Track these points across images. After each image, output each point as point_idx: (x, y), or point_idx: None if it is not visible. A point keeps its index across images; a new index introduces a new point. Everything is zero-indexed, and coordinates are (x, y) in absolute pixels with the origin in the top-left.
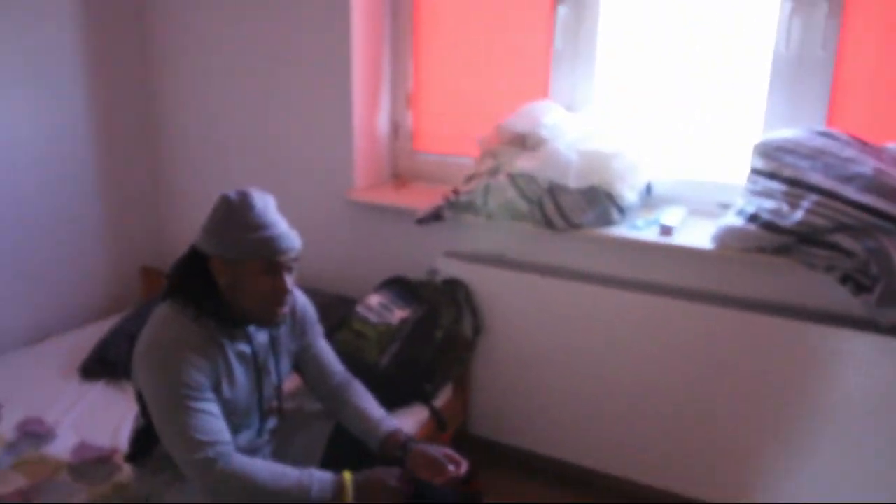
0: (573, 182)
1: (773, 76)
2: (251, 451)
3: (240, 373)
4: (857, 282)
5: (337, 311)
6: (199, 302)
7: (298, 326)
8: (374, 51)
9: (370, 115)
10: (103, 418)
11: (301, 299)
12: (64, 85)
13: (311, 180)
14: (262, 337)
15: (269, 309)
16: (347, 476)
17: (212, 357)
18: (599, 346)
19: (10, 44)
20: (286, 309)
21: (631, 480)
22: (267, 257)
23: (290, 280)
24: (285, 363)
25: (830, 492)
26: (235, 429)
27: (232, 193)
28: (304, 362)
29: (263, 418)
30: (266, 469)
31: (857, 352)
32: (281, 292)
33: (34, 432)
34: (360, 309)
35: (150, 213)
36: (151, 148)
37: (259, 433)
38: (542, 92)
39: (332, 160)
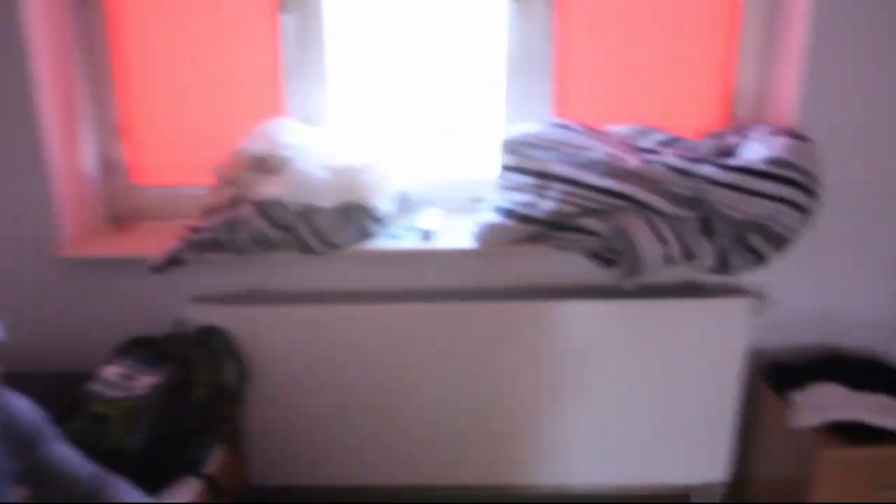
0: (326, 201)
1: (508, 72)
2: None
3: None
4: (603, 257)
5: (65, 393)
6: None
7: (18, 443)
8: (65, 80)
9: (71, 154)
10: None
11: (17, 405)
12: None
13: (5, 241)
14: None
15: None
16: None
17: None
18: (375, 363)
19: None
20: None
21: (428, 485)
22: None
23: None
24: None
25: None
26: None
27: None
28: (38, 481)
29: None
30: None
31: (609, 314)
32: None
33: None
34: (95, 387)
35: None
36: None
37: None
38: (277, 109)
39: (28, 213)
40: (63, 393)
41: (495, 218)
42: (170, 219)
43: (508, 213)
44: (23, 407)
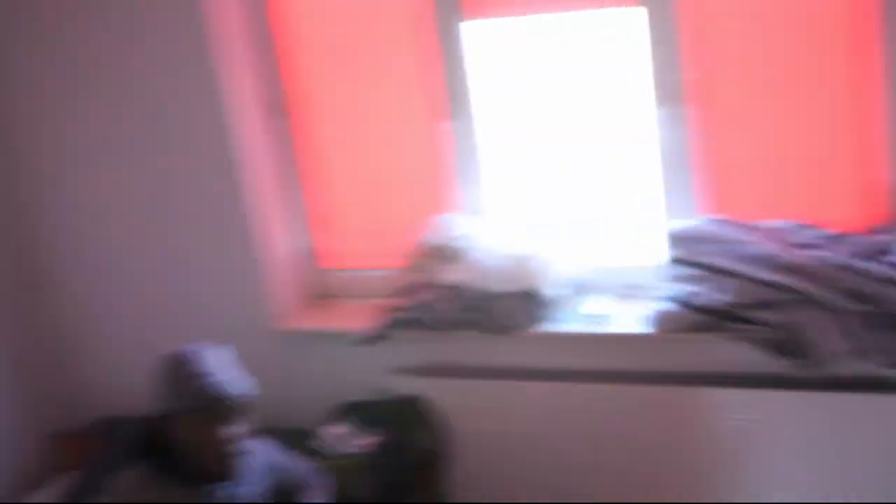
0: (497, 287)
1: (662, 165)
2: None
3: None
4: (777, 348)
5: (289, 445)
6: (162, 464)
7: (285, 487)
8: (270, 176)
9: (274, 242)
10: None
11: (281, 455)
12: None
13: (229, 316)
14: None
15: (216, 458)
16: None
17: None
18: (552, 436)
19: None
20: (235, 454)
21: None
22: (210, 406)
23: (235, 430)
24: None
25: None
26: None
27: (178, 349)
28: None
29: None
30: None
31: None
32: (224, 442)
33: None
34: (323, 443)
35: (55, 375)
36: (43, 307)
37: None
38: (447, 202)
39: (247, 293)
40: (287, 443)
41: (669, 306)
42: (364, 298)
43: (682, 303)
44: (288, 456)
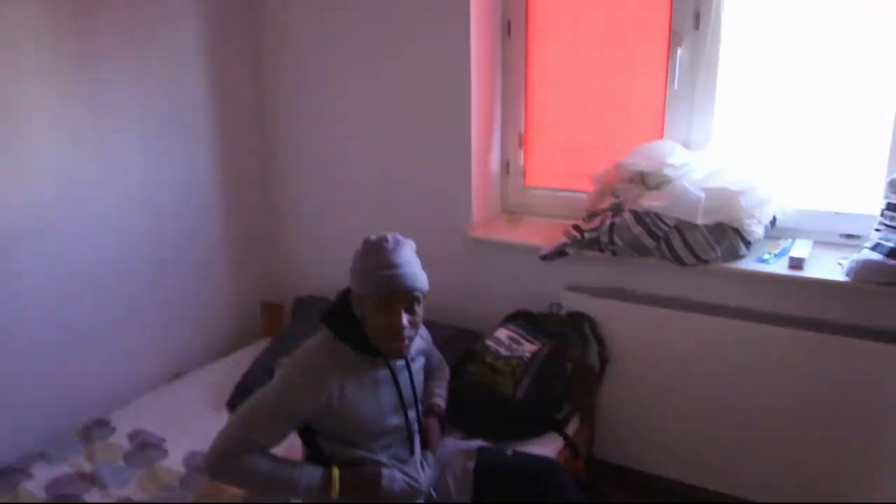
0: (701, 220)
1: None
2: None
3: (379, 394)
4: None
5: (461, 343)
6: (344, 331)
7: (426, 344)
8: (489, 97)
9: (485, 156)
10: None
11: (422, 329)
12: (194, 141)
13: (431, 219)
14: (402, 362)
15: (385, 342)
16: (335, 472)
17: (336, 383)
18: (725, 375)
19: (152, 114)
20: (403, 343)
21: (750, 501)
22: (383, 295)
23: (406, 318)
24: (420, 382)
25: None
26: (384, 447)
27: (372, 236)
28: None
29: (408, 436)
30: (268, 461)
31: None
32: (394, 328)
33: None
34: (489, 343)
35: (268, 251)
36: (269, 192)
37: (405, 448)
38: (656, 131)
39: (450, 200)
40: (462, 342)
41: (875, 256)
42: (550, 216)
43: (891, 253)
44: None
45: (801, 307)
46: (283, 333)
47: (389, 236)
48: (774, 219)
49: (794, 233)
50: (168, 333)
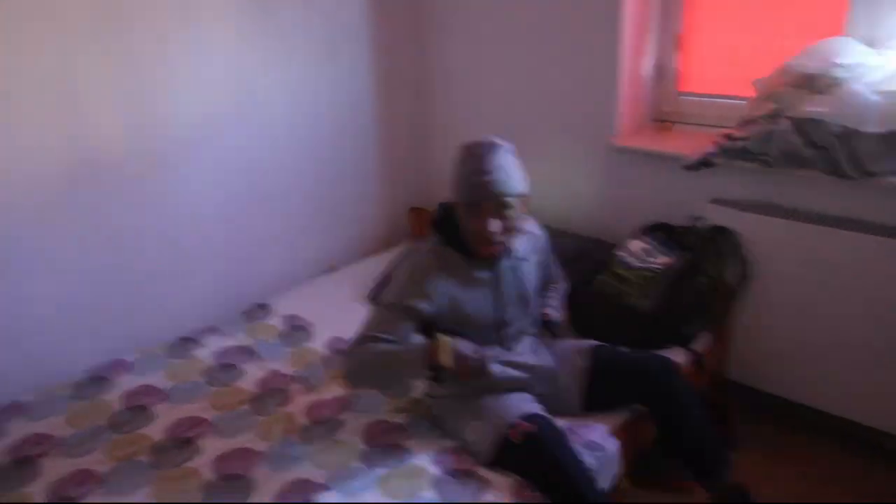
0: (872, 127)
1: None
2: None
3: (481, 294)
4: None
5: (596, 255)
6: (448, 236)
7: (539, 245)
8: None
9: (636, 60)
10: None
11: (534, 227)
12: (353, 55)
13: (574, 126)
14: (507, 263)
15: (478, 247)
16: (443, 339)
17: (444, 283)
18: (877, 301)
19: (316, 31)
20: (493, 248)
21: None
22: (473, 201)
23: (497, 224)
24: (531, 281)
25: None
26: (484, 342)
27: (470, 141)
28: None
29: (507, 335)
30: (386, 344)
31: None
32: (484, 233)
33: (342, 350)
34: (621, 253)
35: (418, 160)
36: (421, 104)
37: (504, 347)
38: (835, 28)
39: (595, 106)
40: (594, 253)
41: None
42: (707, 125)
43: None
44: (536, 227)
45: None
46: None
47: (484, 141)
48: None
49: None
50: (327, 231)
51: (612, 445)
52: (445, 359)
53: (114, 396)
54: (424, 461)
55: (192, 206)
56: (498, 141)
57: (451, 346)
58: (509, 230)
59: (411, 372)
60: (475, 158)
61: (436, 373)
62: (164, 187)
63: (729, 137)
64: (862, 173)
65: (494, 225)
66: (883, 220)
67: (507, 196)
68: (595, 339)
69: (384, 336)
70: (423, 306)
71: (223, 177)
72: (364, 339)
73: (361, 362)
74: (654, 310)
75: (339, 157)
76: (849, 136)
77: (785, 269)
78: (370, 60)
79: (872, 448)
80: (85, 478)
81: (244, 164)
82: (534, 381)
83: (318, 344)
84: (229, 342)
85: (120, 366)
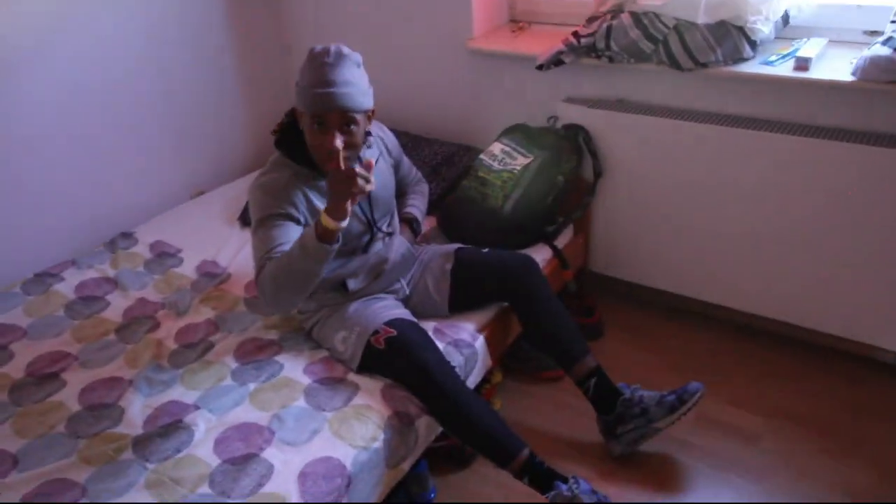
0: (702, 17)
1: None
2: (358, 270)
3: None
4: None
5: (461, 160)
6: (290, 148)
7: (387, 149)
8: None
9: None
10: None
11: (378, 128)
12: None
13: (430, 32)
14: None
15: (321, 162)
16: (323, 210)
17: (301, 193)
18: (723, 186)
19: None
20: (336, 163)
21: (744, 311)
22: (317, 112)
23: (341, 139)
24: (386, 184)
25: None
26: (350, 253)
27: (316, 47)
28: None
29: (369, 240)
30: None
31: None
32: (326, 148)
33: (211, 273)
34: (483, 157)
35: (280, 73)
36: (277, 12)
37: (364, 251)
38: None
39: (450, 8)
40: (460, 158)
41: (884, 51)
42: (561, 24)
43: None
44: (383, 128)
45: (804, 113)
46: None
47: (333, 48)
48: (787, 16)
49: (809, 32)
50: (191, 156)
51: (479, 342)
52: (329, 221)
53: None
54: (295, 373)
55: (32, 127)
56: (346, 50)
57: (326, 211)
58: (353, 146)
59: (313, 258)
60: (322, 66)
61: (332, 240)
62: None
63: (576, 35)
64: (695, 64)
65: (338, 141)
66: (718, 109)
67: (352, 111)
68: (462, 242)
69: (276, 249)
70: (291, 211)
71: (60, 94)
72: (261, 266)
73: (271, 282)
74: (516, 210)
75: (194, 74)
76: (682, 28)
77: (634, 161)
78: None
79: (721, 322)
80: None
81: (83, 81)
82: (395, 274)
83: (187, 269)
84: (91, 274)
85: None
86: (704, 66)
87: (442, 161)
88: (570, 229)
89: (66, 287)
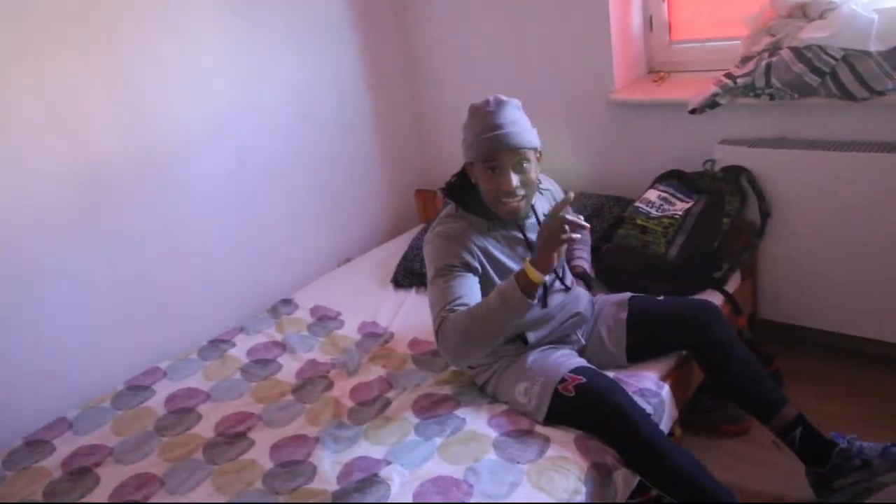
0: (874, 45)
1: None
2: (538, 323)
3: (513, 251)
4: None
5: (612, 210)
6: (464, 200)
7: (556, 200)
8: None
9: (625, 12)
10: (424, 317)
11: (546, 180)
12: (338, 41)
13: (571, 87)
14: (531, 221)
15: (497, 205)
16: (526, 261)
17: (475, 243)
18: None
19: (300, 22)
20: (515, 204)
21: None
22: (489, 156)
23: (516, 178)
24: None
25: None
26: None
27: (475, 102)
28: None
29: (547, 291)
30: (467, 308)
31: None
32: (502, 189)
33: (374, 333)
34: (639, 205)
35: (418, 141)
36: (412, 80)
37: (543, 305)
38: None
39: (590, 63)
40: (612, 209)
41: None
42: (702, 70)
43: None
44: (551, 181)
45: None
46: (434, 217)
47: (491, 98)
48: None
49: None
50: (336, 224)
51: (665, 391)
52: (534, 274)
53: (155, 402)
54: (479, 426)
55: (200, 211)
56: (504, 97)
57: (530, 260)
58: (527, 184)
59: (514, 311)
60: (486, 115)
61: (534, 294)
62: (172, 193)
63: (730, 76)
64: (869, 93)
65: (514, 180)
66: (893, 139)
67: (523, 148)
68: (625, 291)
69: (457, 301)
70: (469, 258)
71: (227, 177)
72: (442, 318)
73: (459, 335)
74: (681, 256)
75: (339, 147)
76: (851, 58)
77: (803, 199)
78: (355, 42)
79: None
80: (144, 480)
81: (249, 163)
82: (574, 326)
83: (350, 331)
84: (260, 339)
85: (155, 373)
86: (881, 94)
87: (592, 213)
88: (738, 274)
89: (239, 352)
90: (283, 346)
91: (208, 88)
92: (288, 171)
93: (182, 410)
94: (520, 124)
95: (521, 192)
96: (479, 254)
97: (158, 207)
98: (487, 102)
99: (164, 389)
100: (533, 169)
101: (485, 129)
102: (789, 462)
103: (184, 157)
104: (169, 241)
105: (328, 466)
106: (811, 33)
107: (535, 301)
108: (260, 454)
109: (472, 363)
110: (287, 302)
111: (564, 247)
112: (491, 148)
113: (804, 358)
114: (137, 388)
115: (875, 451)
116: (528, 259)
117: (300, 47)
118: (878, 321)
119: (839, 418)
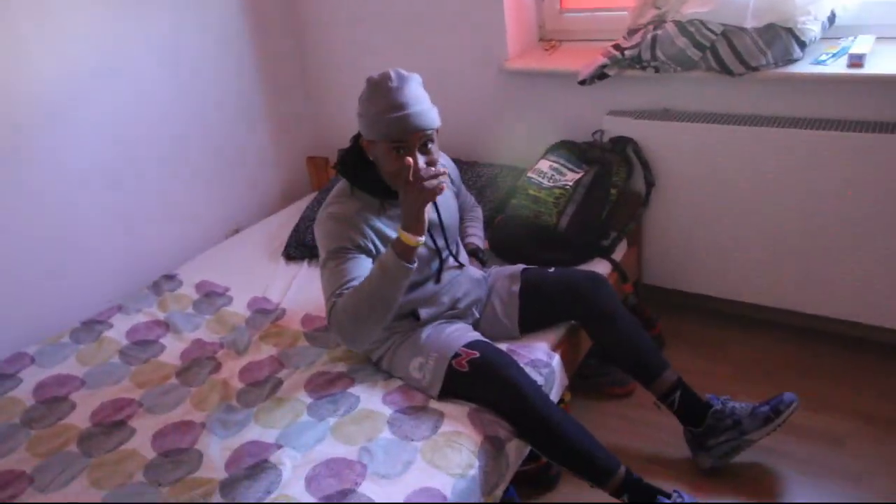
0: (750, 22)
1: None
2: (431, 299)
3: None
4: None
5: (505, 180)
6: (358, 178)
7: (450, 176)
8: None
9: None
10: (317, 291)
11: (444, 159)
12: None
13: (463, 55)
14: None
15: (399, 185)
16: (399, 227)
17: (368, 224)
18: (780, 188)
19: None
20: (428, 187)
21: (808, 314)
22: (396, 138)
23: (423, 159)
24: (452, 214)
25: None
26: (422, 282)
27: (374, 75)
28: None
29: (439, 268)
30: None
31: None
32: (412, 171)
33: (264, 309)
34: (532, 175)
35: (308, 107)
36: (301, 44)
37: (437, 281)
38: None
39: (482, 31)
40: (505, 179)
41: None
42: (593, 40)
43: None
44: (447, 159)
45: (863, 109)
46: (328, 186)
47: (392, 72)
48: (833, 15)
49: (855, 30)
50: (223, 192)
51: (556, 361)
52: (408, 238)
53: (22, 391)
54: (374, 404)
55: (72, 176)
56: (404, 72)
57: (402, 225)
58: (432, 164)
59: (393, 279)
60: (388, 91)
61: (411, 257)
62: (35, 162)
63: (618, 48)
64: (745, 68)
65: (421, 161)
66: (772, 112)
67: (431, 129)
68: (518, 261)
69: (348, 284)
70: (361, 240)
71: (101, 144)
72: (333, 303)
73: (348, 316)
74: (571, 227)
75: (224, 114)
76: (730, 34)
77: (685, 169)
78: (240, 8)
79: (784, 327)
80: (10, 479)
81: (121, 130)
82: (468, 302)
83: (239, 308)
84: (140, 318)
85: (21, 359)
86: (755, 69)
87: (486, 183)
88: (624, 242)
89: (117, 333)
90: (165, 326)
91: (72, 51)
92: (166, 134)
93: (53, 400)
94: (424, 103)
95: (428, 172)
96: (372, 234)
97: (17, 177)
98: (389, 77)
99: (31, 377)
100: (436, 149)
101: (390, 108)
102: (669, 422)
103: (46, 126)
104: (33, 214)
105: (216, 453)
106: (693, 8)
107: (414, 263)
108: (141, 443)
109: (366, 343)
110: (170, 277)
111: (429, 206)
112: (398, 129)
113: (685, 321)
114: (1, 377)
115: (745, 411)
116: (399, 225)
117: (177, 6)
118: (755, 285)
119: (714, 377)
